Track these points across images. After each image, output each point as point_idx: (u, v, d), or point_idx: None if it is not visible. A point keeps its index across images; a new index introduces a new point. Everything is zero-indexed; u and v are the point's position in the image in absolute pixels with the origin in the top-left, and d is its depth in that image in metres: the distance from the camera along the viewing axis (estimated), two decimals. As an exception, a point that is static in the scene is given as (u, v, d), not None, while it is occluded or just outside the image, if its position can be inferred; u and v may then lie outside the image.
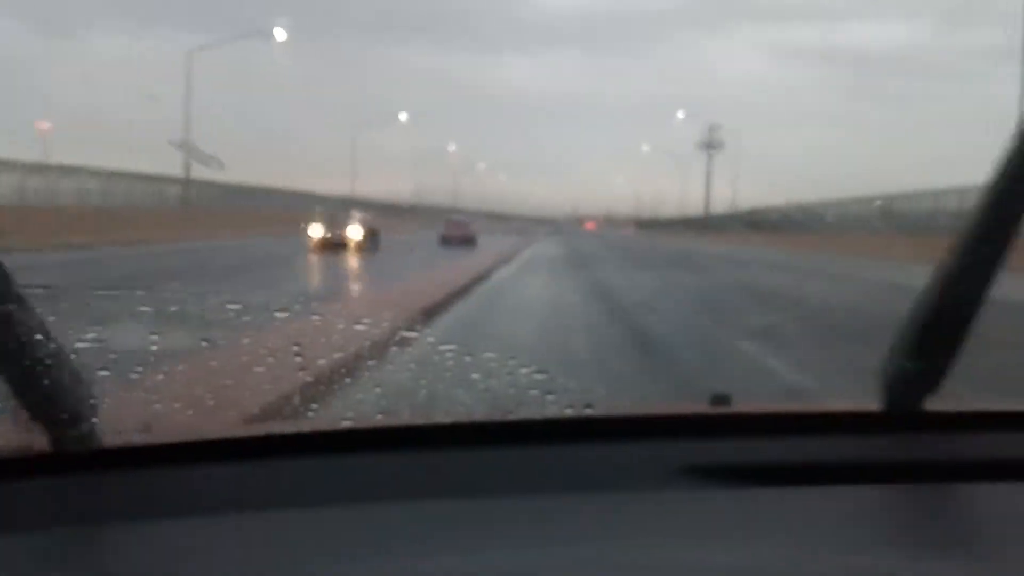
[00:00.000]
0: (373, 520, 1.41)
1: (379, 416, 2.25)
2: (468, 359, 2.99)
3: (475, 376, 2.77)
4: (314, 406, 2.60)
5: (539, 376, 2.70)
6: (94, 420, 1.51)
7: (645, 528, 1.37)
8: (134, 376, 2.38)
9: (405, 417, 2.27)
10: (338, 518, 1.41)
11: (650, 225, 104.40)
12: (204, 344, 2.96)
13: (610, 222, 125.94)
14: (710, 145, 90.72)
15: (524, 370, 2.81)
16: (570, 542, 1.33)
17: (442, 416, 1.96)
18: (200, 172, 44.57)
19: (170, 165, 37.83)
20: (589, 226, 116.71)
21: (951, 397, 1.77)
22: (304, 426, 2.19)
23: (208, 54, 42.79)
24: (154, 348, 2.62)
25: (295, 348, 2.85)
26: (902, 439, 1.65)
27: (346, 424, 1.76)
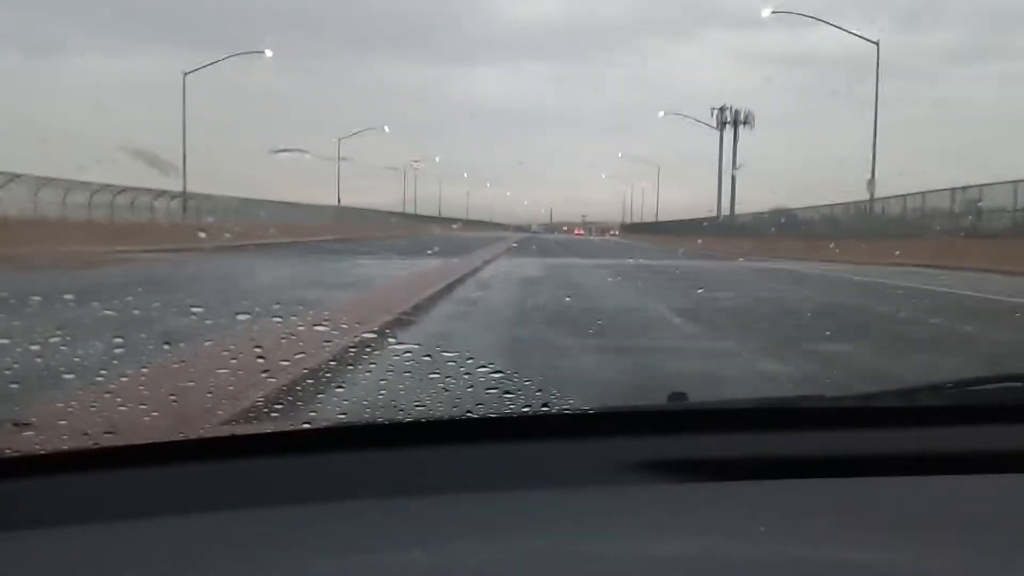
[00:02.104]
0: (334, 518, 1.42)
1: (340, 416, 2.27)
2: (427, 358, 3.03)
3: (433, 376, 2.82)
4: (278, 407, 2.62)
5: (496, 375, 2.76)
6: (62, 422, 1.52)
7: (602, 522, 1.38)
8: (98, 379, 2.39)
9: (365, 416, 2.29)
10: (299, 517, 1.42)
11: (638, 229, 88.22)
12: (166, 347, 2.97)
13: (586, 227, 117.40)
14: (736, 122, 66.82)
15: (482, 369, 2.87)
16: (528, 536, 1.33)
17: (402, 415, 1.98)
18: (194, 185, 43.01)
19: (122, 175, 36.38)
20: (578, 233, 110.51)
21: (902, 394, 1.85)
22: (267, 427, 2.19)
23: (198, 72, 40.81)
24: (118, 351, 2.64)
25: (257, 350, 2.87)
26: (855, 434, 1.66)
27: (307, 425, 1.79)
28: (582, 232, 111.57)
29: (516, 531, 1.37)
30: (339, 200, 60.76)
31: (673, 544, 1.31)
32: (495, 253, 30.30)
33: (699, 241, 49.65)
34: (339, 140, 53.36)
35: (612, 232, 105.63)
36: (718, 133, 66.95)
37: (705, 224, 61.00)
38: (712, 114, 66.70)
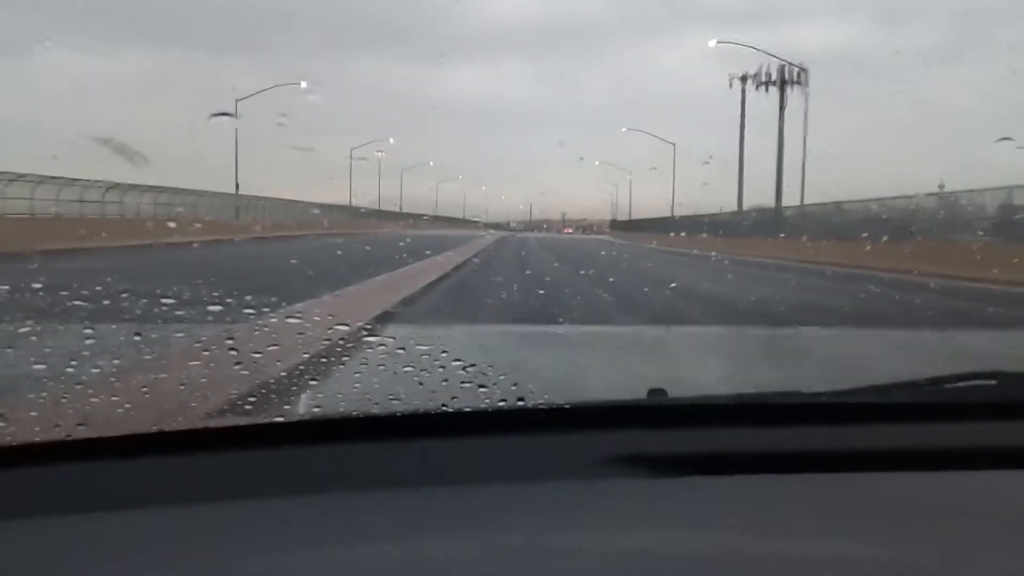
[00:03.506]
0: (307, 511, 1.41)
1: (315, 409, 2.27)
2: (401, 352, 3.03)
3: (408, 369, 2.82)
4: (252, 399, 2.61)
5: (471, 369, 2.77)
6: (33, 413, 1.51)
7: (577, 517, 1.38)
8: (69, 370, 2.37)
9: (340, 410, 2.29)
10: (272, 510, 1.41)
11: (631, 227, 76.56)
12: (137, 338, 2.95)
13: (574, 225, 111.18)
14: (783, 81, 53.39)
15: (456, 363, 2.87)
16: (502, 530, 1.33)
17: (377, 409, 1.98)
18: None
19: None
20: (567, 231, 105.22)
21: (878, 390, 1.87)
22: (240, 420, 2.19)
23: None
24: (89, 342, 2.62)
25: (229, 342, 2.86)
26: (831, 430, 1.67)
27: (280, 418, 1.78)
28: (571, 230, 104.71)
29: (490, 525, 1.37)
30: (237, 187, 49.67)
31: (648, 539, 1.31)
32: (426, 278, 16.01)
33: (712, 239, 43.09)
34: (236, 101, 41.82)
35: (592, 229, 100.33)
36: (673, 145, 59.24)
37: (703, 221, 53.75)
38: (730, 84, 57.29)
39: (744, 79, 57.12)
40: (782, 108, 54.32)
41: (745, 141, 57.22)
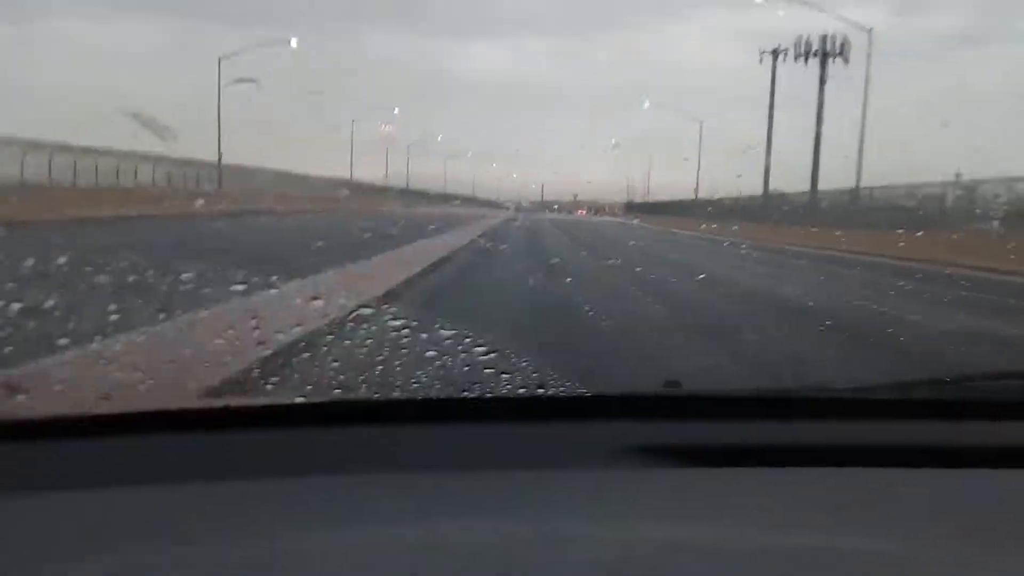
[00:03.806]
0: (325, 492, 1.41)
1: (336, 391, 2.27)
2: (424, 336, 3.03)
3: (431, 354, 2.82)
4: (274, 379, 2.62)
5: (493, 355, 2.76)
6: (57, 387, 1.52)
7: (593, 505, 1.37)
8: (94, 346, 2.39)
9: (360, 392, 2.29)
10: (292, 489, 1.42)
11: (648, 210, 72.01)
12: (162, 316, 2.97)
13: (589, 207, 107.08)
14: (826, 53, 45.46)
15: (479, 348, 2.87)
16: (519, 517, 1.37)
17: (398, 393, 1.97)
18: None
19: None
20: (581, 213, 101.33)
21: (899, 387, 1.85)
22: (262, 400, 2.20)
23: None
24: (113, 318, 2.63)
25: (253, 321, 2.87)
26: (850, 425, 1.66)
27: (302, 399, 1.78)
28: (585, 212, 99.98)
29: (507, 512, 1.37)
30: (219, 157, 45.74)
31: (664, 529, 1.31)
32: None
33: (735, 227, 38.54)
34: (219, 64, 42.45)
35: (605, 211, 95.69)
36: (701, 120, 53.82)
37: (724, 204, 49.35)
38: (760, 59, 49.83)
39: (775, 53, 50.17)
40: (822, 82, 46.28)
41: (773, 122, 52.12)
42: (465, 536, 1.27)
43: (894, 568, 1.22)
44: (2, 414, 1.53)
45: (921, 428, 1.68)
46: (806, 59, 47.90)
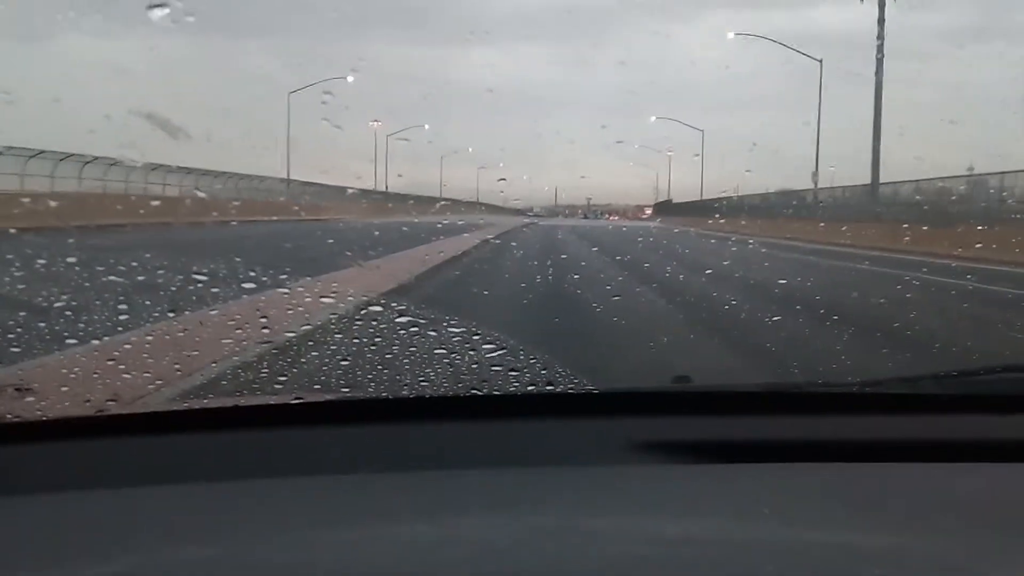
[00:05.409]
0: (337, 490, 1.42)
1: (345, 390, 2.27)
2: (433, 334, 3.02)
3: (440, 351, 2.81)
4: (282, 378, 2.62)
5: (502, 352, 2.75)
6: (64, 388, 1.51)
7: (604, 501, 1.38)
8: (102, 345, 2.38)
9: (370, 391, 2.28)
10: (303, 488, 1.42)
11: (677, 211, 65.24)
12: (171, 315, 2.97)
13: (593, 210, 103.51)
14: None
15: (488, 346, 2.86)
16: (530, 513, 1.33)
17: (407, 390, 1.97)
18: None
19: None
20: (611, 218, 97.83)
21: (906, 381, 1.84)
22: (272, 399, 2.19)
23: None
24: (122, 317, 2.63)
25: (263, 320, 2.87)
26: (858, 420, 1.66)
27: (312, 398, 1.78)
28: (615, 217, 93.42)
29: (518, 508, 1.37)
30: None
31: (675, 524, 1.31)
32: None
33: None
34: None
35: (627, 215, 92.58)
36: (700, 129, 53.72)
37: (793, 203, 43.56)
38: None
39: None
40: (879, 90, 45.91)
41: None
42: (476, 532, 1.27)
43: (904, 561, 1.21)
44: (12, 415, 1.52)
45: (929, 422, 1.67)
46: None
